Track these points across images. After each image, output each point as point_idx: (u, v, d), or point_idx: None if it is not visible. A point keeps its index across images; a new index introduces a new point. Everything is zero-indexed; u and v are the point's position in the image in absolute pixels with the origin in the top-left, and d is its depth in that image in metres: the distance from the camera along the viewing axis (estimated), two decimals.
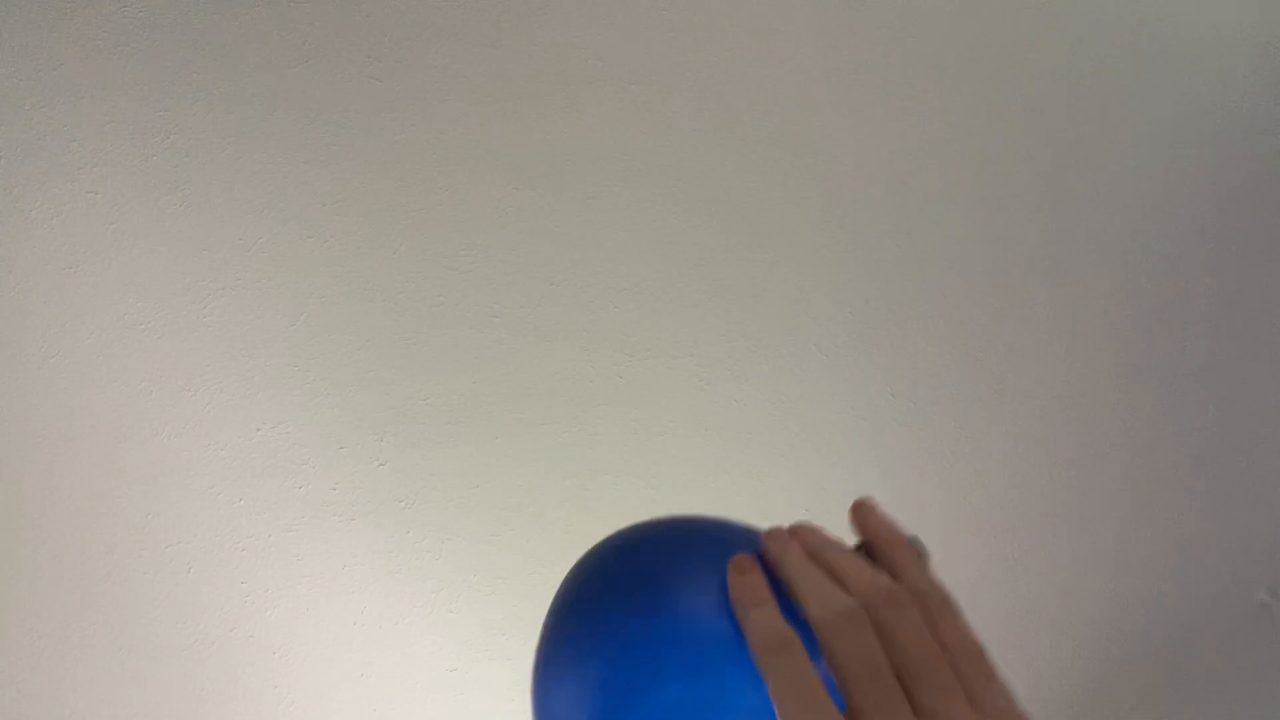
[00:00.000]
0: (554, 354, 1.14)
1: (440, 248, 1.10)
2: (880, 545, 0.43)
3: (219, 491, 1.11)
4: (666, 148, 1.12)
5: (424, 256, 1.10)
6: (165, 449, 1.09)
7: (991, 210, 1.19)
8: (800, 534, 0.44)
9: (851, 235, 1.17)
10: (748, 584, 0.42)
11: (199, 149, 1.04)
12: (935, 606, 0.38)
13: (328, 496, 1.12)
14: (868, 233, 1.17)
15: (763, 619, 0.39)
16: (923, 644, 0.36)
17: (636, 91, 1.10)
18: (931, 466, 1.23)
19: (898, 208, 1.17)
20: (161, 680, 1.13)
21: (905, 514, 1.27)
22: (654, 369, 1.16)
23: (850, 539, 0.45)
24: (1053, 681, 1.30)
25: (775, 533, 0.45)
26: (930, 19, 1.14)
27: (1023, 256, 1.20)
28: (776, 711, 0.38)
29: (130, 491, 1.09)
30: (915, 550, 0.42)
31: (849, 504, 0.47)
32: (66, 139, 1.01)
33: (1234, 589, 1.31)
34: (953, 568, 1.25)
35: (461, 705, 1.19)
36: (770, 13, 1.11)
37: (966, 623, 0.38)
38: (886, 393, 1.20)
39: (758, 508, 1.19)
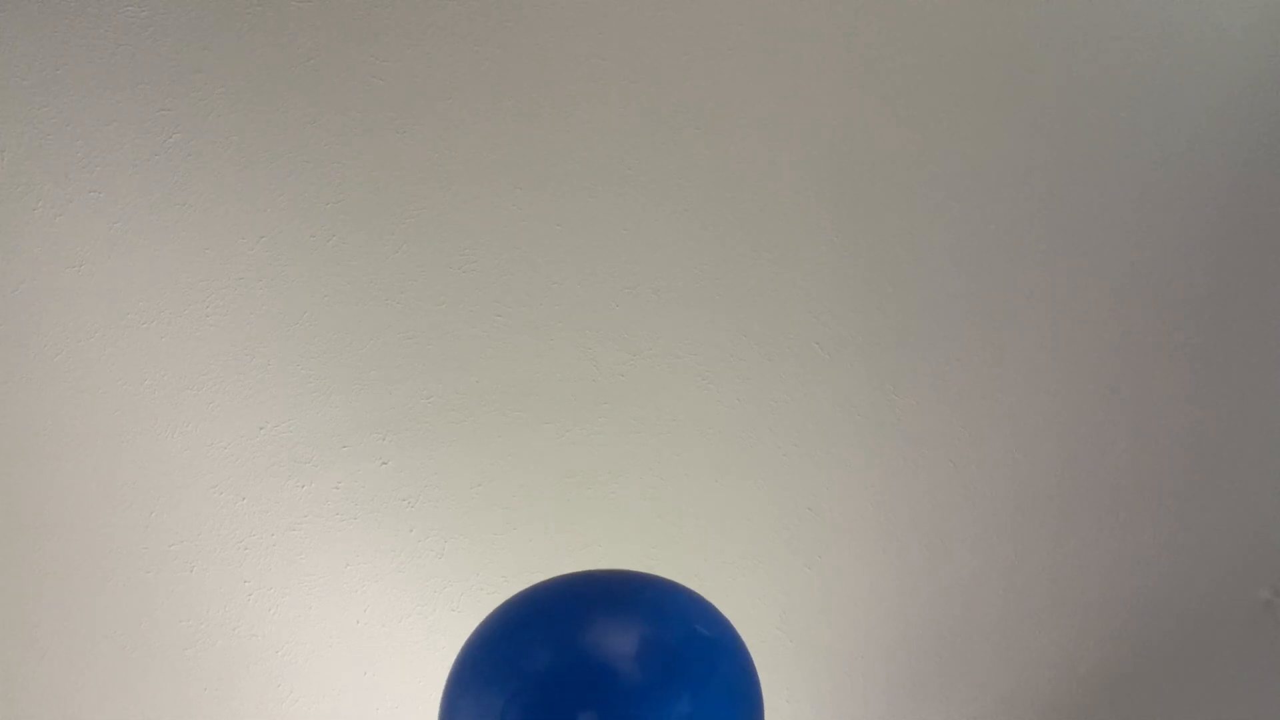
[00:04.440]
0: (556, 353, 1.14)
1: (442, 246, 1.10)
2: None
3: (221, 490, 1.11)
4: (668, 146, 1.12)
5: (426, 255, 1.10)
6: (167, 448, 1.09)
7: (995, 208, 1.19)
8: None
9: (854, 233, 1.17)
10: None
11: (201, 148, 1.04)
12: None
13: (330, 495, 1.12)
14: (870, 230, 1.17)
15: None
16: None
17: (638, 89, 1.10)
18: (933, 465, 1.22)
19: (900, 205, 1.17)
20: (164, 679, 1.13)
21: (906, 512, 1.27)
22: (656, 368, 1.16)
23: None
24: (1053, 680, 1.29)
25: None
26: (933, 18, 1.14)
27: (1026, 255, 1.20)
28: None
29: (132, 491, 1.09)
30: None
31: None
32: (69, 138, 1.01)
33: (1237, 587, 1.31)
34: (953, 566, 1.25)
35: None
36: (773, 11, 1.11)
37: None
38: (889, 391, 1.20)
39: (760, 507, 1.19)
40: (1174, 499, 1.28)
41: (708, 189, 1.14)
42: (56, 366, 1.05)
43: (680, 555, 1.19)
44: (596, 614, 0.61)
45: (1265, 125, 1.23)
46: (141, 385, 1.07)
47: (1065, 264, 1.21)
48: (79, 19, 0.99)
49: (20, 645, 1.10)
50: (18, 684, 1.10)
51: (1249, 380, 1.27)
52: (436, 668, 1.17)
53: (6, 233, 1.02)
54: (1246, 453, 1.29)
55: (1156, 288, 1.24)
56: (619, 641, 0.59)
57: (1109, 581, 1.28)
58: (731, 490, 1.19)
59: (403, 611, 1.16)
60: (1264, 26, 1.19)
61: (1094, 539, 1.27)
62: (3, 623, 1.09)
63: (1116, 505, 1.27)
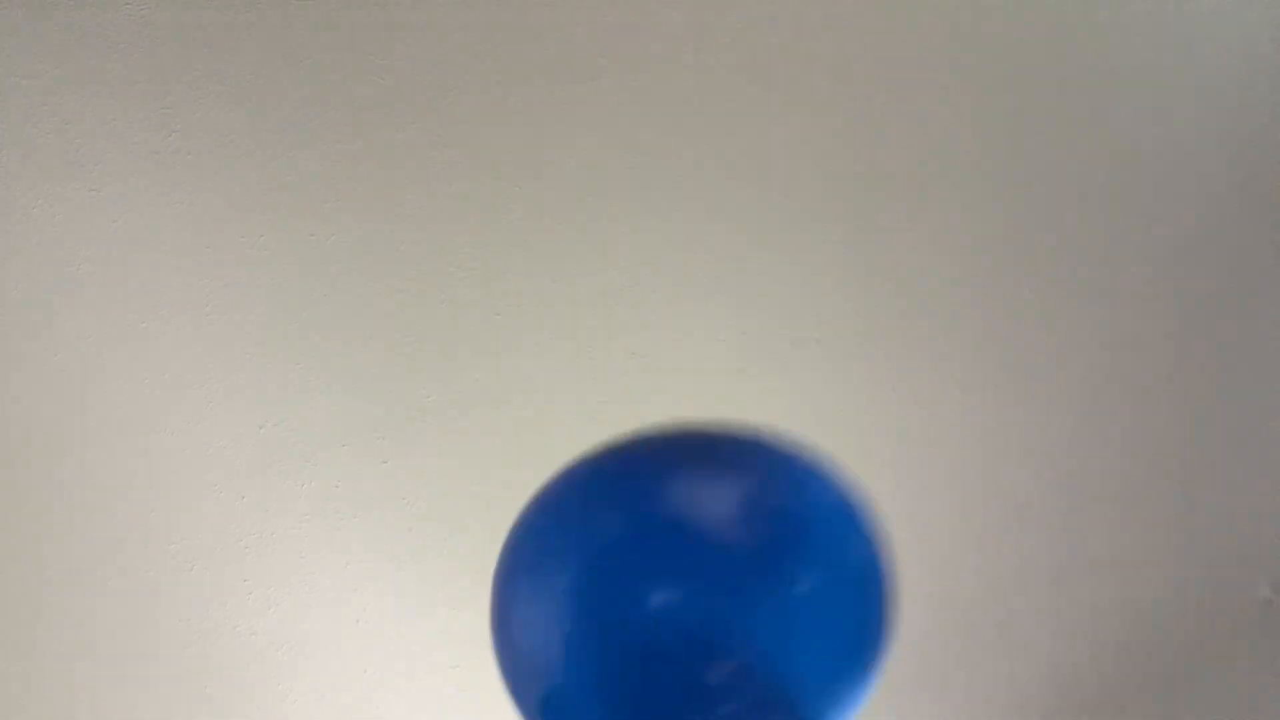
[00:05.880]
0: (557, 351, 1.14)
1: (443, 246, 1.10)
2: None
3: (221, 489, 1.11)
4: (669, 144, 1.12)
5: (427, 254, 1.10)
6: (167, 447, 1.09)
7: (999, 206, 1.19)
8: None
9: (856, 230, 1.17)
10: None
11: (201, 146, 1.04)
12: None
13: (330, 494, 1.12)
14: (873, 227, 1.17)
15: None
16: None
17: (639, 88, 1.10)
18: (934, 463, 1.22)
19: (903, 202, 1.17)
20: (163, 678, 1.13)
21: (909, 512, 1.27)
22: (657, 366, 1.16)
23: None
24: (1056, 678, 1.30)
25: None
26: (941, 12, 1.13)
27: (1028, 253, 1.20)
28: None
29: (132, 489, 1.09)
30: None
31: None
32: (68, 137, 1.01)
33: (1237, 585, 1.31)
34: (956, 566, 1.25)
35: (464, 702, 1.19)
36: (774, 5, 1.10)
37: None
38: (890, 390, 1.20)
39: None
40: (1174, 498, 1.28)
41: (709, 188, 1.13)
42: (55, 366, 1.05)
43: None
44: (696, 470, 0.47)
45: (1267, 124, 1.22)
46: (140, 383, 1.07)
47: (1067, 264, 1.21)
48: (79, 18, 0.99)
49: (20, 645, 1.10)
50: (18, 684, 1.10)
51: (1249, 380, 1.27)
52: (436, 665, 1.18)
53: (6, 232, 1.02)
54: (1246, 452, 1.29)
55: (1157, 289, 1.23)
56: (716, 501, 0.45)
57: (1108, 581, 1.28)
58: None
59: (402, 610, 1.16)
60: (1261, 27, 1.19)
61: (1094, 537, 1.27)
62: (2, 623, 1.09)
63: (1116, 505, 1.27)
